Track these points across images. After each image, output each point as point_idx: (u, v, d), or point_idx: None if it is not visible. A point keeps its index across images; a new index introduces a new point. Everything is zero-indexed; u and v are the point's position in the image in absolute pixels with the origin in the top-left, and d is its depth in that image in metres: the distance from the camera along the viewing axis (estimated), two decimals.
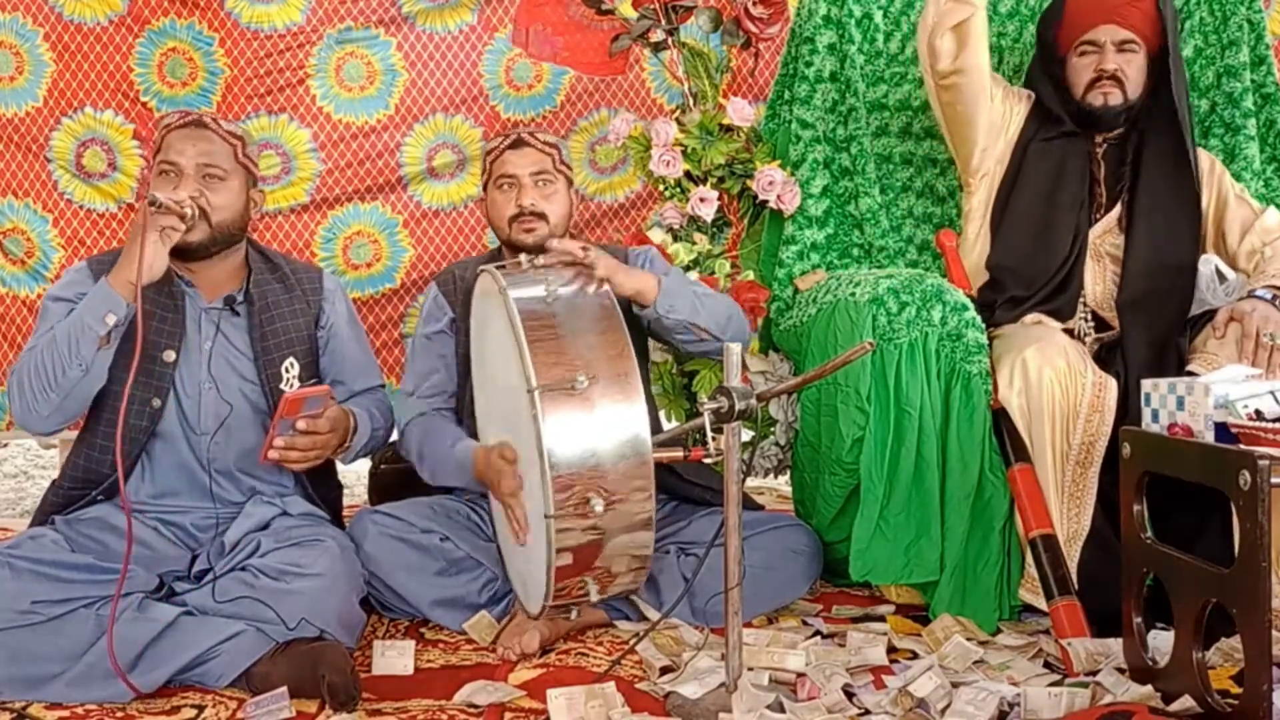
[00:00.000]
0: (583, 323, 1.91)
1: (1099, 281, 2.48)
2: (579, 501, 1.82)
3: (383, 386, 2.44)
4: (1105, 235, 2.51)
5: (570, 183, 2.47)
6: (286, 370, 2.21)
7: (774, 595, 2.31)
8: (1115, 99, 2.48)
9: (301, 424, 2.06)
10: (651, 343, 2.54)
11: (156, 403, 2.12)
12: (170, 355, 2.13)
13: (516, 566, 2.15)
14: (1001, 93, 2.61)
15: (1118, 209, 2.51)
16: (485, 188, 2.48)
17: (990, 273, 2.53)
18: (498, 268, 2.04)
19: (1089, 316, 2.45)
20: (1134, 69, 2.48)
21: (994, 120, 2.58)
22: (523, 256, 2.08)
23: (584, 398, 1.83)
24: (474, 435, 2.33)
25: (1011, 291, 2.48)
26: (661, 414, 2.79)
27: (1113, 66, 2.47)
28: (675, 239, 2.82)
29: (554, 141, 2.45)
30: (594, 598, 1.93)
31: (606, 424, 1.84)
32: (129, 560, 1.85)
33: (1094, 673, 1.91)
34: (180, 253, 2.10)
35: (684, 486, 2.42)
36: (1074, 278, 2.46)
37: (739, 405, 1.74)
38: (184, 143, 2.13)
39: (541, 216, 2.37)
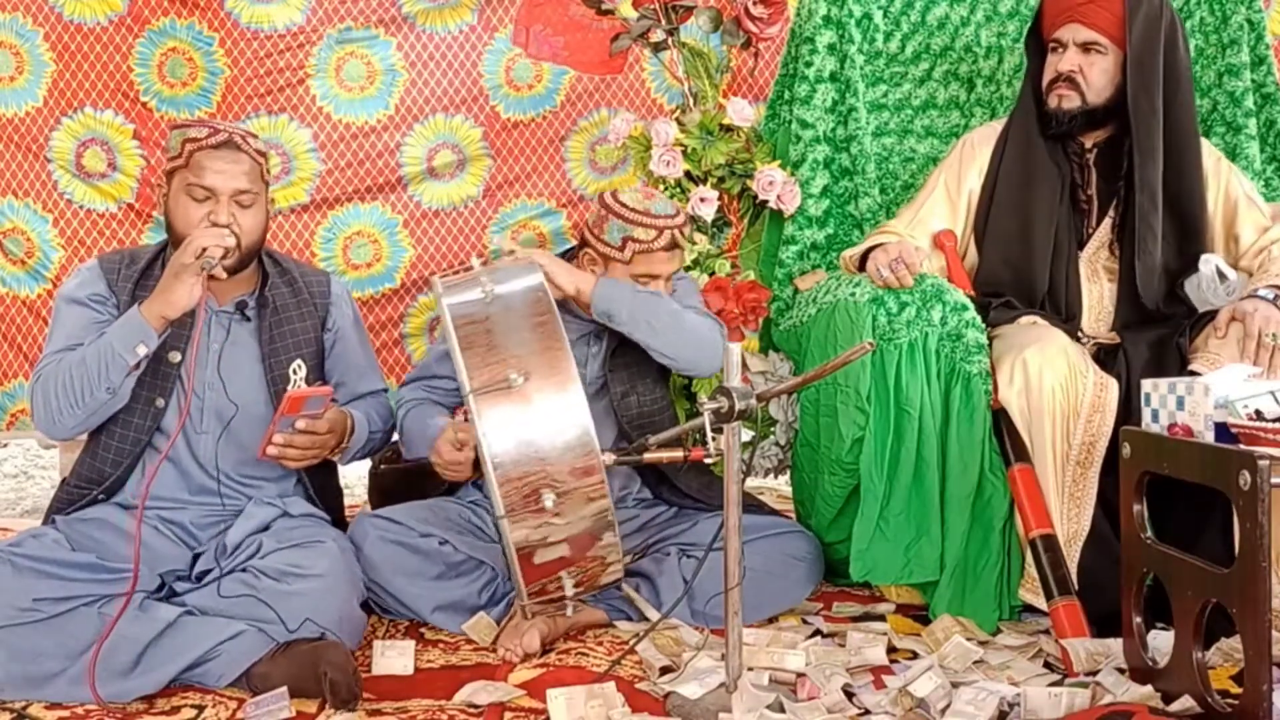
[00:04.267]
0: (515, 319, 1.90)
1: (1095, 303, 2.45)
2: (529, 497, 1.82)
3: (385, 390, 2.44)
4: (1099, 251, 2.47)
5: None
6: (294, 372, 2.23)
7: (773, 602, 2.30)
8: (1070, 102, 2.41)
9: (301, 423, 2.08)
10: None
11: (160, 403, 2.14)
12: (175, 356, 2.14)
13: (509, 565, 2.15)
14: (960, 170, 2.59)
15: (1109, 221, 2.47)
16: (602, 239, 2.32)
17: (979, 291, 2.49)
18: (449, 276, 2.04)
19: (1087, 341, 2.40)
20: (1097, 72, 2.40)
21: (971, 176, 2.59)
22: (474, 259, 2.08)
23: (520, 394, 1.82)
24: None
25: (1006, 300, 2.46)
26: (675, 417, 2.78)
27: (1067, 68, 2.41)
28: None
29: (683, 223, 2.37)
30: (569, 591, 1.93)
31: (546, 418, 1.83)
32: (138, 563, 1.86)
33: (1094, 673, 1.91)
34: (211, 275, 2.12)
35: (678, 497, 2.42)
36: (1071, 304, 2.43)
37: (739, 405, 1.73)
38: (218, 164, 2.10)
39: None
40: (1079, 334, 2.41)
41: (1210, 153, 2.52)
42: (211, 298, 2.20)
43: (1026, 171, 2.50)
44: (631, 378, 2.37)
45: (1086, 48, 2.41)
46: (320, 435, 2.12)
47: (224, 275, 2.07)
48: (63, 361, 2.07)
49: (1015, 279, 2.47)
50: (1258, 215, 2.46)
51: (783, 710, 1.76)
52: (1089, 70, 2.41)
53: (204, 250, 2.01)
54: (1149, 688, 1.80)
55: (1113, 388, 2.21)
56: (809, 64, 2.81)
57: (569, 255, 2.45)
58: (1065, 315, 2.43)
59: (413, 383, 2.45)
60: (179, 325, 2.15)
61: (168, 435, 2.15)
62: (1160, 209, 2.39)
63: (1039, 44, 2.54)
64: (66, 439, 2.19)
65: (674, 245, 2.33)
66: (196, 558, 2.11)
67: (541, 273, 1.99)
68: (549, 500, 1.82)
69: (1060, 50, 2.45)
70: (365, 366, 2.40)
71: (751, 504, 2.48)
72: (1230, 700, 1.72)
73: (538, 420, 1.83)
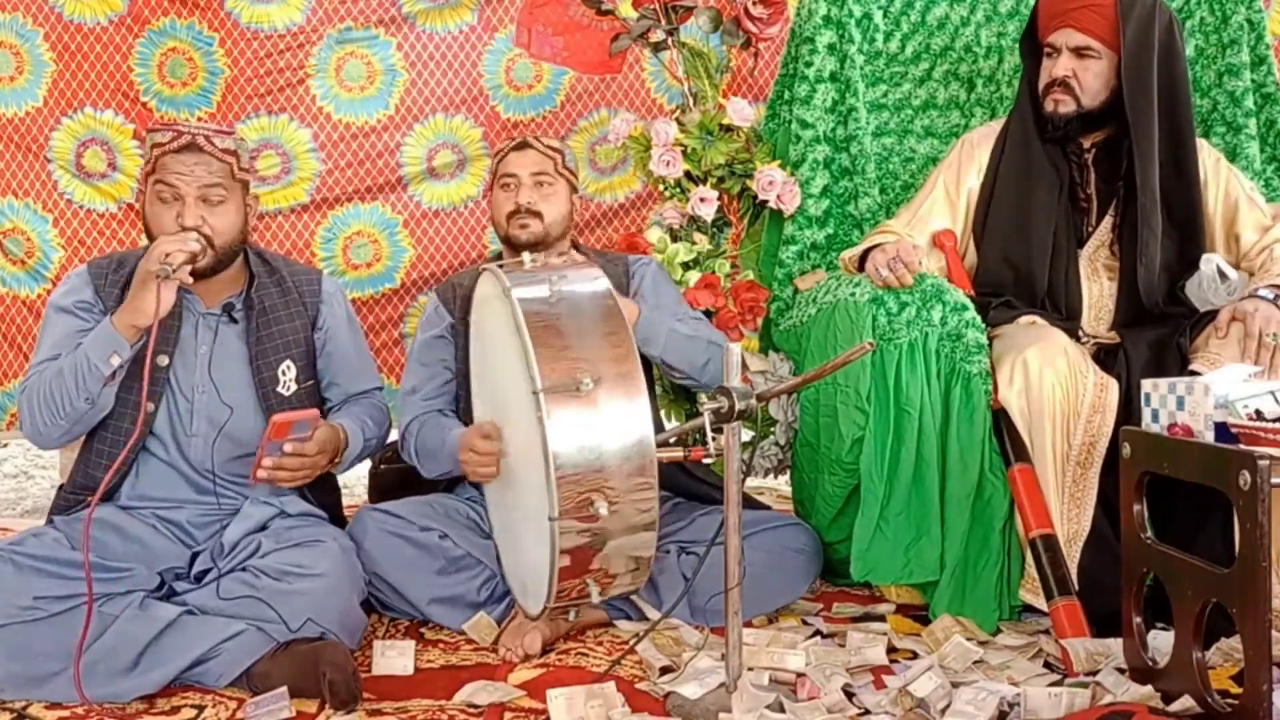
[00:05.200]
0: (586, 324, 1.89)
1: (1095, 303, 2.45)
2: (583, 504, 1.80)
3: (380, 389, 2.44)
4: (1099, 249, 2.48)
5: (573, 188, 2.52)
6: (283, 374, 2.22)
7: (774, 595, 2.31)
8: (1065, 107, 2.42)
9: (288, 446, 2.08)
10: None
11: (150, 407, 2.12)
12: (163, 360, 2.14)
13: (514, 568, 2.15)
14: (959, 169, 2.60)
15: (1109, 220, 2.48)
16: (490, 188, 2.54)
17: (978, 291, 2.49)
18: (500, 267, 2.03)
19: (1088, 340, 2.41)
20: (1090, 76, 2.41)
21: (970, 176, 2.60)
22: (525, 255, 2.07)
23: (589, 400, 1.81)
24: None
25: (1006, 299, 2.47)
26: (661, 414, 2.79)
27: (1061, 73, 2.42)
28: (675, 239, 2.82)
29: (558, 146, 2.52)
30: (595, 599, 1.93)
31: (611, 426, 1.82)
32: (91, 583, 1.86)
33: (1094, 673, 1.91)
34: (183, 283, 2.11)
35: (694, 484, 2.43)
36: (1071, 302, 2.43)
37: (739, 405, 1.73)
38: (181, 166, 2.10)
39: (537, 215, 2.43)
40: (1079, 332, 2.41)
41: (1210, 154, 2.52)
42: (198, 300, 2.20)
43: (1025, 171, 2.50)
44: None
45: (1080, 52, 2.42)
46: (310, 457, 2.12)
47: (190, 280, 2.03)
48: (44, 373, 2.08)
49: (1015, 278, 2.48)
50: (1259, 215, 2.46)
51: (783, 710, 1.76)
52: (1083, 75, 2.42)
53: (166, 256, 1.99)
54: (1149, 688, 1.80)
55: (1113, 388, 2.21)
56: (809, 64, 2.81)
57: None
58: (1065, 313, 2.43)
59: (409, 396, 2.44)
60: (165, 329, 2.14)
61: (161, 439, 2.16)
62: (1160, 209, 2.39)
63: (1034, 47, 2.54)
64: (55, 448, 2.20)
65: (524, 146, 2.49)
66: (195, 557, 2.11)
67: (606, 279, 1.98)
68: (602, 508, 1.80)
69: (1054, 55, 2.45)
70: (359, 365, 2.39)
71: (747, 502, 2.48)
72: (1230, 700, 1.72)
73: (603, 428, 1.81)
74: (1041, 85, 2.48)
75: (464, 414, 2.40)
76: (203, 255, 2.07)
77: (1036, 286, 2.45)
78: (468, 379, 2.39)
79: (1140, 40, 2.39)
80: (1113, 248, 2.46)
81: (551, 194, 2.46)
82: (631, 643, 2.05)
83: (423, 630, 2.23)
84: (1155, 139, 2.39)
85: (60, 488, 2.24)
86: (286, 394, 2.23)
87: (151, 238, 2.14)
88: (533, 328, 1.84)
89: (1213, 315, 2.28)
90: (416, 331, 2.57)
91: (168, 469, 2.17)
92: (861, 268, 2.46)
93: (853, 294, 2.39)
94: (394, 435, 2.53)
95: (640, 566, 1.93)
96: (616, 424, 1.83)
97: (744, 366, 2.58)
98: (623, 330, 1.90)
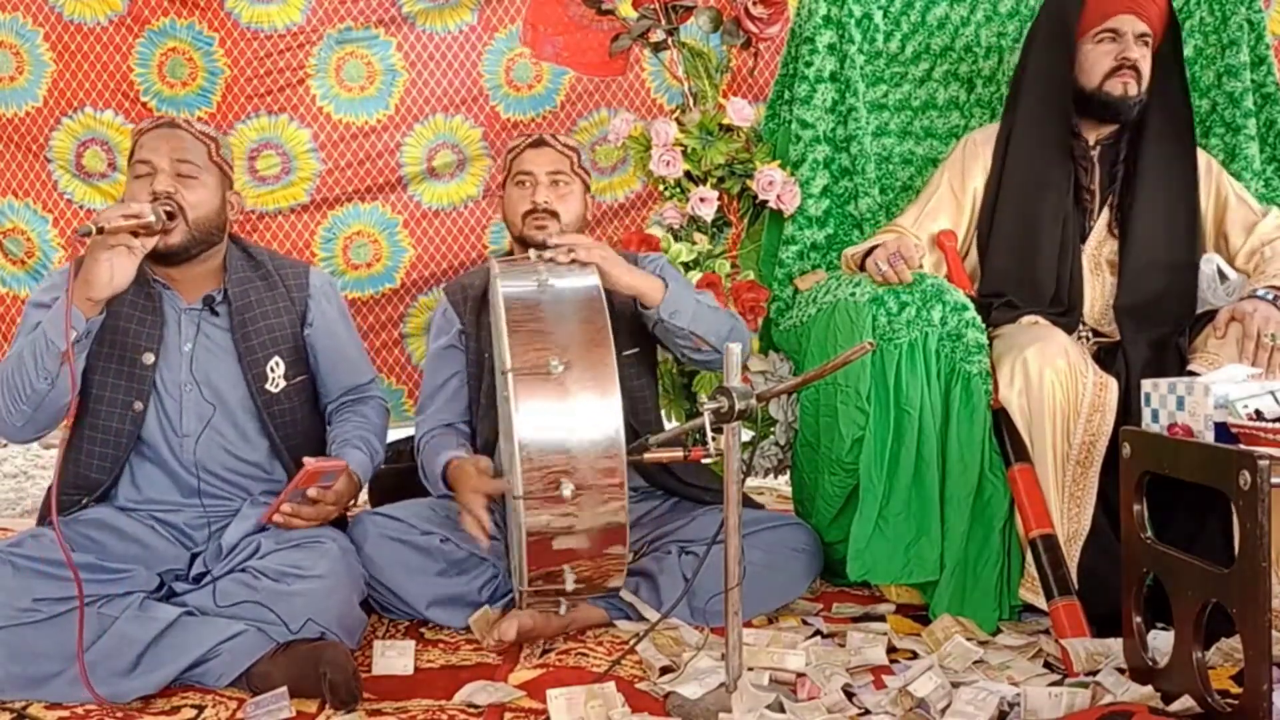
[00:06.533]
0: (566, 311, 1.92)
1: (1098, 296, 2.48)
2: (549, 484, 1.82)
3: (374, 380, 2.44)
4: (1101, 244, 2.51)
5: (587, 187, 2.51)
6: (272, 370, 2.21)
7: (774, 594, 2.31)
8: (1134, 89, 2.49)
9: (312, 492, 2.07)
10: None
11: (139, 406, 2.12)
12: (149, 358, 2.12)
13: (514, 560, 2.15)
14: (964, 168, 2.63)
15: (1107, 213, 2.52)
16: (504, 185, 2.51)
17: (981, 293, 2.51)
18: (507, 260, 2.05)
19: (1089, 334, 2.44)
20: (1146, 63, 2.50)
21: (975, 177, 2.63)
22: (531, 251, 2.09)
23: (558, 383, 1.83)
24: (489, 440, 2.37)
25: (1008, 300, 2.48)
26: (661, 414, 2.79)
27: (1135, 56, 2.49)
28: (675, 239, 2.82)
29: (574, 145, 2.50)
30: (569, 587, 1.94)
31: (579, 409, 1.84)
32: (83, 590, 1.84)
33: (1094, 673, 1.91)
34: (160, 257, 2.10)
35: (682, 487, 2.43)
36: (1074, 297, 2.46)
37: (739, 405, 1.73)
38: (157, 141, 2.12)
39: (553, 215, 2.41)
40: (1080, 323, 2.44)
41: (1201, 156, 2.58)
42: (178, 296, 2.19)
43: (1037, 172, 2.53)
44: (624, 373, 2.37)
45: (1140, 40, 2.50)
46: (327, 507, 2.11)
47: (138, 246, 1.96)
48: (8, 360, 2.06)
49: (1021, 278, 2.49)
50: (1246, 212, 2.52)
51: (783, 710, 1.76)
52: (1142, 62, 2.50)
53: (101, 231, 1.90)
54: (1149, 688, 1.80)
55: (1112, 387, 2.21)
56: (809, 64, 2.81)
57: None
58: (1068, 306, 2.45)
59: (422, 412, 2.45)
60: (148, 326, 2.13)
61: (150, 441, 2.15)
62: (1178, 170, 2.49)
63: (1065, 38, 2.55)
64: (22, 441, 2.15)
65: (541, 144, 2.45)
66: (194, 558, 2.11)
67: (597, 276, 1.98)
68: (567, 490, 1.82)
69: (1118, 39, 2.50)
70: (357, 358, 2.39)
71: (746, 502, 2.48)
72: (1230, 700, 1.72)
73: (571, 410, 1.83)
74: (1106, 68, 2.50)
75: (477, 417, 2.41)
76: (161, 224, 2.00)
77: (1044, 287, 2.46)
78: (480, 382, 2.39)
79: (1176, 28, 2.53)
80: (1111, 229, 2.50)
81: (568, 194, 2.43)
82: (631, 643, 2.05)
83: (423, 630, 2.23)
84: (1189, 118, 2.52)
85: (50, 488, 2.23)
86: (275, 390, 2.21)
87: None
88: (510, 313, 1.87)
89: (1212, 315, 2.29)
90: (430, 334, 2.56)
91: (159, 471, 2.16)
92: (864, 266, 2.47)
93: (853, 294, 2.39)
94: (394, 435, 2.54)
95: (616, 558, 1.94)
96: (585, 408, 1.85)
97: (744, 366, 2.58)
98: (601, 319, 1.91)
